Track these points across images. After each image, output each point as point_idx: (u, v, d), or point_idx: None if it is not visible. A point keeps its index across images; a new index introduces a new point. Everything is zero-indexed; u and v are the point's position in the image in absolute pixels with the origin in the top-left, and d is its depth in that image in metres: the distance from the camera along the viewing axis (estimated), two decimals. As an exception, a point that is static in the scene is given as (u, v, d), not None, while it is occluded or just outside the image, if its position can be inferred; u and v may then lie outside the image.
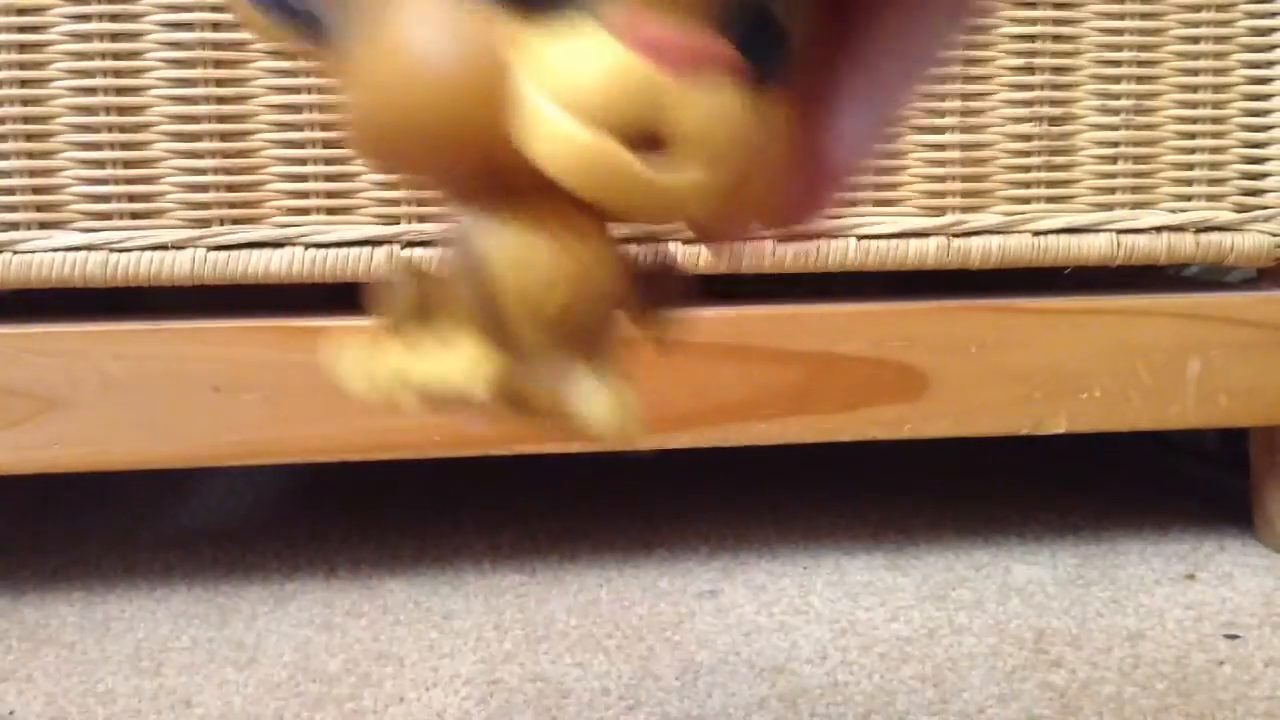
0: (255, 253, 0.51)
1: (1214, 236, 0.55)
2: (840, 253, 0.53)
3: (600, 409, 0.19)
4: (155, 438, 0.51)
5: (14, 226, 0.50)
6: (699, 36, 0.18)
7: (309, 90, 0.50)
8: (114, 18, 0.49)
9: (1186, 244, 0.55)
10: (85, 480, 0.72)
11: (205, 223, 0.51)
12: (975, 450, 0.76)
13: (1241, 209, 0.56)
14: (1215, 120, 0.55)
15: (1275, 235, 0.56)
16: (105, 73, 0.49)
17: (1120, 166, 0.55)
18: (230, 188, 0.51)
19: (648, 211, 0.18)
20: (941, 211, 0.54)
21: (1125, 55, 0.54)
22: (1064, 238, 0.54)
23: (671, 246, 0.50)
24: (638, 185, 0.17)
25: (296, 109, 0.50)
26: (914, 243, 0.54)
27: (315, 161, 0.51)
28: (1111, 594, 0.52)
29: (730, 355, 0.53)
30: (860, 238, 0.53)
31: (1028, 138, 0.54)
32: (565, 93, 0.17)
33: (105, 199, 0.50)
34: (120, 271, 0.50)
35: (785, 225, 0.21)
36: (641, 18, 0.18)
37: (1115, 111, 0.54)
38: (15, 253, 0.50)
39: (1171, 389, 0.55)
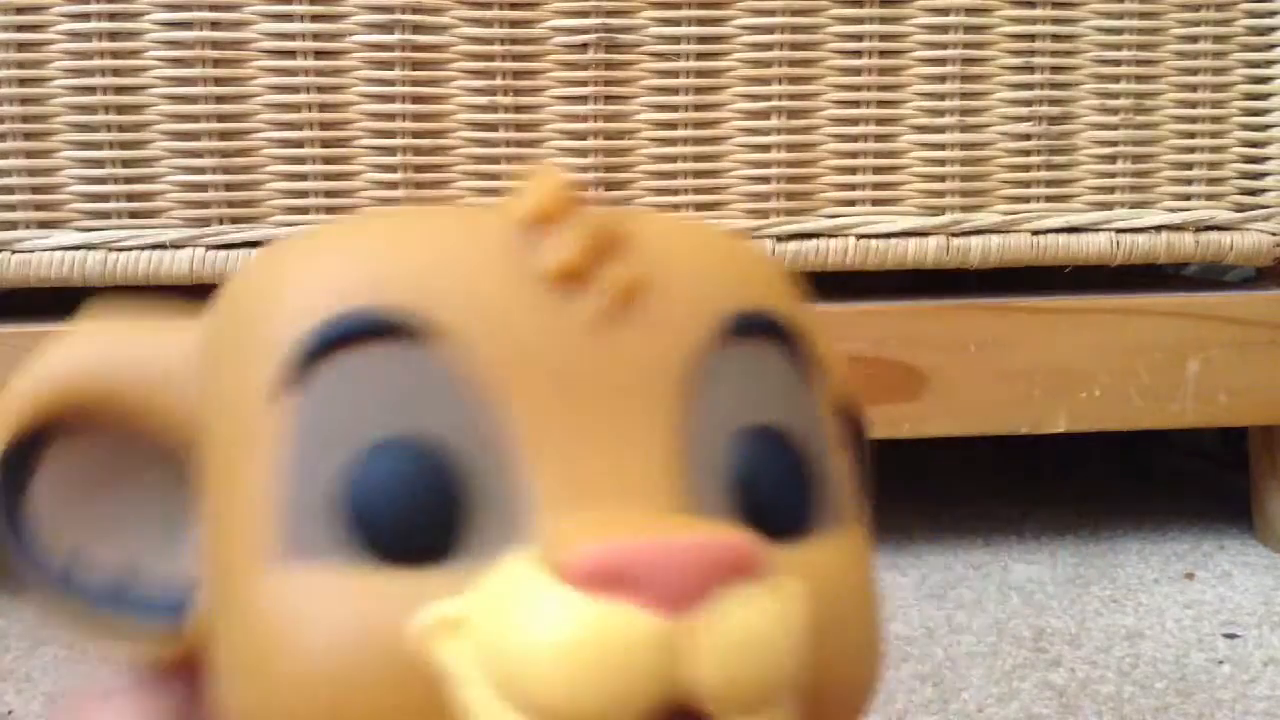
0: (254, 252, 0.51)
1: (1213, 235, 0.55)
2: (840, 252, 0.53)
3: None
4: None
5: (13, 225, 0.50)
6: (679, 530, 0.13)
7: (308, 90, 0.50)
8: (113, 16, 0.49)
9: (1186, 243, 0.55)
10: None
11: (204, 222, 0.51)
12: (975, 450, 0.76)
13: (1240, 208, 0.56)
14: (1214, 119, 0.55)
15: (1274, 234, 0.56)
16: (104, 72, 0.49)
17: (1119, 166, 0.55)
18: (229, 187, 0.51)
19: None
20: (941, 211, 0.54)
21: (1124, 55, 0.54)
22: (1063, 237, 0.54)
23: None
24: None
25: (296, 108, 0.50)
26: (914, 242, 0.54)
27: (314, 161, 0.51)
28: (1111, 593, 0.52)
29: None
30: (860, 237, 0.53)
31: (1027, 137, 0.54)
32: (522, 694, 0.12)
33: (104, 198, 0.50)
34: (119, 271, 0.50)
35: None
36: (589, 528, 0.13)
37: (1114, 111, 0.54)
38: (14, 252, 0.50)
39: (1171, 388, 0.55)
